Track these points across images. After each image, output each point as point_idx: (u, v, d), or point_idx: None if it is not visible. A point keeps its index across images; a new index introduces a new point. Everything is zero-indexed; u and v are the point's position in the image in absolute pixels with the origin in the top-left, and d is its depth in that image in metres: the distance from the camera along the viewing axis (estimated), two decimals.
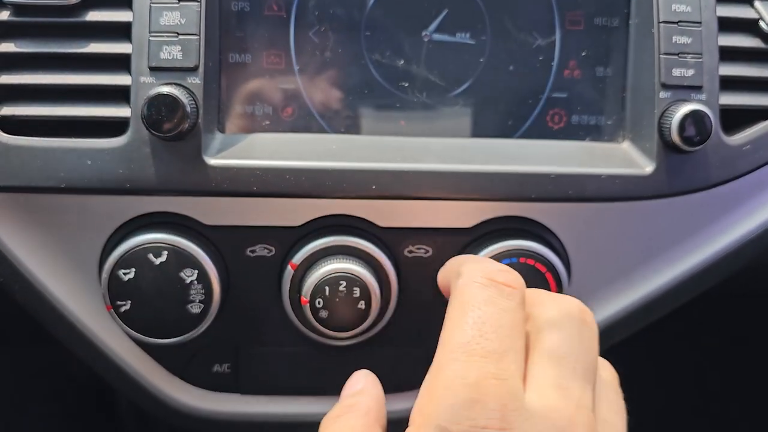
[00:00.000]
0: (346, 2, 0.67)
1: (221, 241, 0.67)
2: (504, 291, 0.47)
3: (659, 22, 0.65)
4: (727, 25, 0.66)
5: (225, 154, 0.62)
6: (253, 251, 0.68)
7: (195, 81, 0.61)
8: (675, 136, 0.63)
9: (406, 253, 0.68)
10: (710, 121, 0.63)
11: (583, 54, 0.69)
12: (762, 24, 0.67)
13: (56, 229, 0.67)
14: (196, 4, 0.61)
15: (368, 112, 0.68)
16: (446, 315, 0.47)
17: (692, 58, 0.65)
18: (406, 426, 0.44)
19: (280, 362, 0.71)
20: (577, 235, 0.71)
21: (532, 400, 0.43)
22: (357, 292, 0.63)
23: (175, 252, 0.63)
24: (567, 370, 0.45)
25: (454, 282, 0.49)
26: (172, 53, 0.61)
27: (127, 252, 0.63)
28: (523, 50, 0.69)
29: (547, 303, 0.50)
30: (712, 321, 1.11)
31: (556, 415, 0.42)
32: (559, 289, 0.67)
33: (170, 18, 0.61)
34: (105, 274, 0.63)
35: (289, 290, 0.66)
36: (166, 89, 0.59)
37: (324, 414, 0.51)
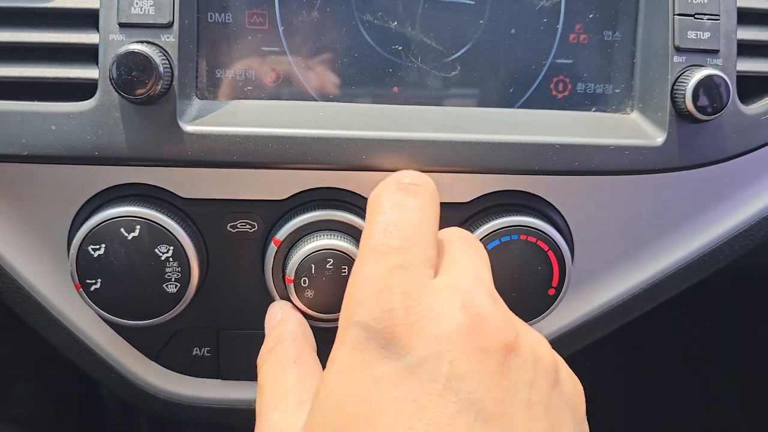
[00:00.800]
0: None
1: (199, 215, 0.62)
2: (410, 191, 0.50)
3: None
4: None
5: (202, 121, 0.58)
6: (233, 227, 0.63)
7: (169, 39, 0.56)
8: (689, 104, 0.59)
9: None
10: (727, 89, 0.59)
11: (590, 16, 0.65)
12: None
13: (20, 201, 0.62)
14: None
15: (359, 77, 0.63)
16: (364, 228, 0.50)
17: (708, 19, 0.61)
18: None
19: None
20: (581, 212, 0.66)
21: (440, 279, 0.46)
22: (345, 270, 0.59)
23: (149, 226, 0.59)
24: (470, 254, 0.50)
25: None
26: (144, 8, 0.56)
27: (96, 226, 0.59)
28: (526, 12, 0.64)
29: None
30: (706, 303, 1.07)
31: (461, 283, 0.46)
32: (562, 269, 0.63)
33: None
34: (73, 250, 0.59)
35: (273, 268, 0.62)
36: (137, 47, 0.54)
37: None
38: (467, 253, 0.50)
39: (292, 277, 0.59)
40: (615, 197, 0.66)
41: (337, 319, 0.61)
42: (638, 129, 0.63)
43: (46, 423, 1.15)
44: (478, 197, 0.64)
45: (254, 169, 0.60)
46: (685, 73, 0.60)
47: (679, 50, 0.61)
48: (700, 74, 0.59)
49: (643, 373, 1.17)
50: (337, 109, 0.62)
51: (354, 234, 0.61)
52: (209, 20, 0.61)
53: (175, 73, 0.56)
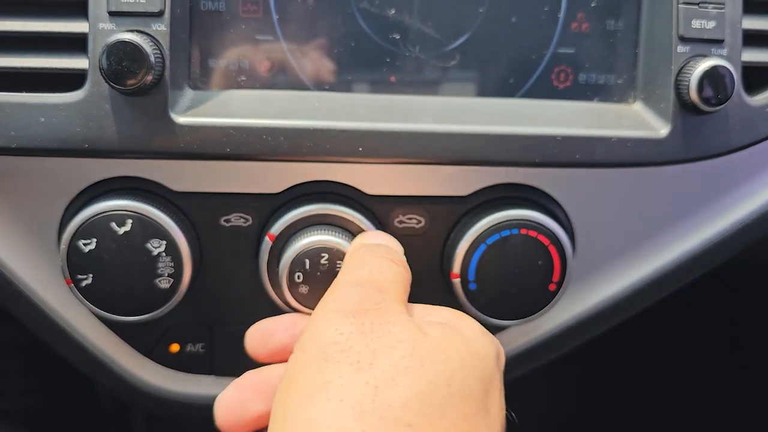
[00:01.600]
0: None
1: (192, 209, 0.61)
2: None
3: None
4: None
5: (195, 112, 0.56)
6: (227, 221, 0.62)
7: (160, 28, 0.54)
8: (693, 95, 0.58)
9: (396, 223, 0.63)
10: (732, 79, 0.58)
11: (593, 5, 0.63)
12: None
13: (9, 195, 0.61)
14: None
15: (355, 67, 0.62)
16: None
17: (714, 8, 0.59)
18: None
19: None
20: (583, 205, 0.65)
21: None
22: (340, 266, 0.57)
23: (141, 221, 0.57)
24: None
25: None
26: None
27: (87, 220, 0.57)
28: (527, 0, 0.62)
29: None
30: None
31: None
32: (563, 264, 0.62)
33: None
34: (63, 245, 0.58)
35: (267, 264, 0.60)
36: (127, 36, 0.52)
37: None
38: None
39: (286, 273, 0.58)
40: (617, 190, 0.65)
41: None
42: (641, 120, 0.61)
43: (39, 417, 1.15)
44: (477, 190, 0.63)
45: (248, 161, 0.59)
46: (690, 64, 0.59)
47: (683, 40, 0.59)
48: (704, 64, 0.58)
49: (647, 368, 1.16)
50: (332, 99, 0.60)
51: (350, 229, 0.60)
52: (202, 8, 0.60)
53: (167, 63, 0.54)
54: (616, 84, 0.64)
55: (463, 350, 0.46)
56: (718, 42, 0.60)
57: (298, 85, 0.61)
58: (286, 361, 0.51)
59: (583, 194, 0.65)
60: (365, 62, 0.62)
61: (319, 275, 0.57)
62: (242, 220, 0.62)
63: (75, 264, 0.58)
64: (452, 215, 0.63)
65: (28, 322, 0.64)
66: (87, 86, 0.55)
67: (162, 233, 0.58)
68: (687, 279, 0.68)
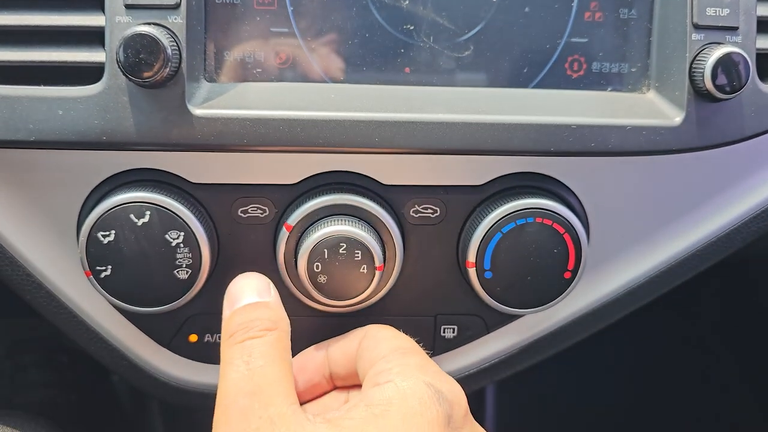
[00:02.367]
0: None
1: (209, 200, 0.61)
2: None
3: None
4: None
5: (212, 104, 0.56)
6: (244, 212, 0.62)
7: (176, 20, 0.55)
8: (708, 83, 0.58)
9: (411, 213, 0.63)
10: (747, 67, 0.58)
11: None
12: None
13: (28, 188, 0.61)
14: None
15: (369, 58, 0.62)
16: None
17: None
18: None
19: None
20: (597, 193, 0.65)
21: None
22: (358, 255, 0.58)
23: (159, 212, 0.58)
24: None
25: None
26: None
27: (106, 212, 0.58)
28: None
29: None
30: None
31: None
32: (578, 252, 0.62)
33: None
34: (83, 237, 0.58)
35: (284, 254, 0.61)
36: (144, 29, 0.52)
37: None
38: None
39: (305, 263, 0.58)
40: (631, 178, 0.65)
41: (351, 305, 0.61)
42: (655, 108, 0.61)
43: (57, 409, 1.16)
44: (492, 179, 0.63)
45: (265, 152, 0.59)
46: (704, 51, 0.59)
47: (697, 27, 0.59)
48: (719, 52, 0.58)
49: (656, 358, 1.16)
50: (348, 90, 0.61)
51: (366, 218, 0.60)
52: (217, 1, 0.60)
53: (184, 55, 0.55)
54: (630, 72, 0.64)
55: None
56: (733, 29, 0.59)
57: (313, 77, 0.62)
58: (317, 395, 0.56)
59: (597, 182, 0.65)
60: (380, 53, 0.62)
61: (337, 265, 0.58)
62: (259, 210, 0.62)
63: (94, 255, 0.58)
64: (468, 204, 0.63)
65: (47, 314, 0.65)
66: (104, 79, 0.55)
67: (180, 224, 0.58)
68: (701, 267, 0.69)
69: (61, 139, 0.55)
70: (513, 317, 0.68)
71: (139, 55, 0.52)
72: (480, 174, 0.63)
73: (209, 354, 0.67)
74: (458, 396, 0.51)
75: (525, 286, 0.62)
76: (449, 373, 0.55)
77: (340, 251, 0.58)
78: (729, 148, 0.62)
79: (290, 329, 0.55)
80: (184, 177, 0.61)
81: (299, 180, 0.62)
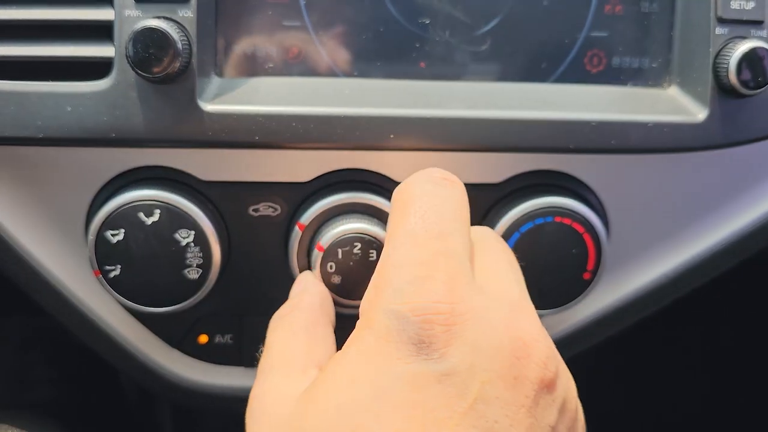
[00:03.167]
0: None
1: (220, 198, 0.60)
2: (443, 183, 0.47)
3: None
4: None
5: (223, 100, 0.55)
6: (256, 210, 0.61)
7: (187, 14, 0.53)
8: (733, 78, 0.56)
9: None
10: None
11: None
12: None
13: (36, 185, 0.60)
14: None
15: (384, 52, 0.60)
16: (389, 216, 0.46)
17: None
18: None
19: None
20: (617, 191, 0.64)
21: (484, 284, 0.43)
22: (374, 255, 0.56)
23: (169, 211, 0.57)
24: (512, 264, 0.49)
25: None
26: None
27: (115, 211, 0.57)
28: None
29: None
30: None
31: (506, 296, 0.43)
32: (598, 252, 0.61)
33: None
34: (91, 236, 0.57)
35: (297, 253, 0.60)
36: (154, 23, 0.51)
37: None
38: (506, 262, 0.48)
39: (318, 263, 0.57)
40: (652, 176, 0.64)
41: None
42: (677, 105, 0.60)
43: (64, 407, 1.15)
44: (509, 177, 0.62)
45: (277, 149, 0.58)
46: (728, 46, 0.57)
47: (721, 21, 0.58)
48: (744, 46, 0.56)
49: (678, 359, 1.14)
50: (361, 85, 0.59)
51: (381, 217, 0.59)
52: None
53: (194, 49, 0.53)
54: (651, 68, 0.62)
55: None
56: (758, 23, 0.58)
57: (326, 72, 0.60)
58: None
59: (617, 180, 0.63)
60: (394, 48, 0.60)
61: (351, 265, 0.56)
62: (271, 209, 0.61)
63: (103, 255, 0.57)
64: (484, 202, 0.62)
65: (55, 313, 0.64)
66: (113, 74, 0.54)
67: (190, 223, 0.57)
68: (724, 267, 0.67)
69: (70, 135, 0.54)
70: None
71: (149, 50, 0.51)
72: (497, 171, 0.61)
73: (220, 355, 0.66)
74: (434, 308, 0.39)
75: (544, 286, 0.60)
76: None
77: (355, 251, 0.56)
78: (753, 145, 0.60)
79: (319, 299, 0.54)
80: (194, 175, 0.59)
81: (312, 178, 0.60)
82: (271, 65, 0.60)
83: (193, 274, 0.58)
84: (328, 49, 0.60)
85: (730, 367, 1.09)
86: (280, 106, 0.55)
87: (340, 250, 0.56)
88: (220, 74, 0.58)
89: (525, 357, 0.39)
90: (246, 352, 0.65)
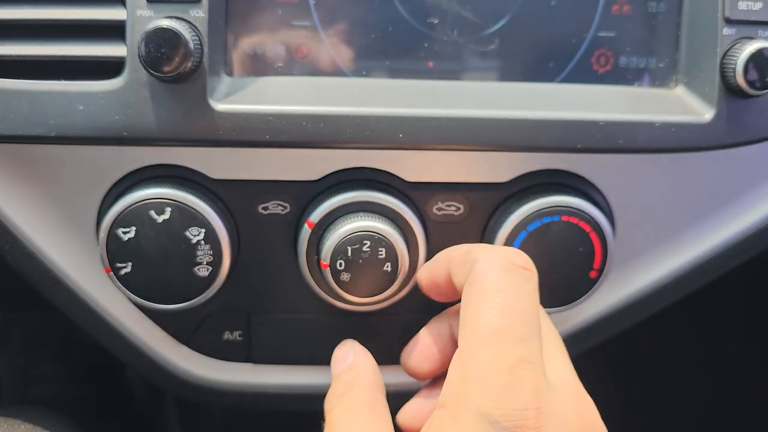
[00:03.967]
0: None
1: (230, 196, 0.60)
2: (525, 275, 0.48)
3: None
4: None
5: (233, 99, 0.56)
6: (265, 208, 0.61)
7: (198, 14, 0.54)
8: (740, 79, 0.56)
9: (434, 210, 0.62)
10: None
11: None
12: None
13: (48, 183, 0.60)
14: None
15: (393, 52, 0.61)
16: (467, 300, 0.48)
17: None
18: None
19: (295, 330, 0.65)
20: (623, 191, 0.64)
21: (551, 377, 0.46)
22: (382, 253, 0.57)
23: (180, 209, 0.57)
24: (561, 346, 0.52)
25: (471, 268, 0.49)
26: None
27: (126, 209, 0.57)
28: None
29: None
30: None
31: (568, 386, 0.47)
32: (604, 250, 0.61)
33: None
34: (103, 234, 0.57)
35: (307, 251, 0.60)
36: (166, 23, 0.52)
37: None
38: (555, 339, 0.51)
39: (328, 261, 0.57)
40: (658, 175, 0.64)
41: (374, 303, 0.60)
42: (684, 105, 0.60)
43: (70, 402, 1.16)
44: (516, 177, 0.62)
45: (287, 148, 0.58)
46: (736, 46, 0.57)
47: (729, 22, 0.58)
48: (751, 47, 0.56)
49: (686, 357, 1.14)
50: (370, 85, 0.60)
51: (390, 215, 0.59)
52: None
53: (205, 49, 0.54)
54: (658, 67, 0.63)
55: None
56: (766, 24, 0.58)
57: (335, 71, 0.61)
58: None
59: (623, 180, 0.64)
60: (403, 47, 0.61)
61: (361, 263, 0.57)
62: (280, 207, 0.61)
63: (114, 252, 0.58)
64: (491, 202, 0.62)
65: (66, 310, 0.64)
66: (126, 74, 0.54)
67: (201, 221, 0.58)
68: (729, 266, 0.67)
69: (82, 134, 0.55)
70: None
71: (161, 50, 0.51)
72: (504, 171, 0.62)
73: (229, 352, 0.66)
74: (524, 415, 0.42)
75: (550, 285, 0.61)
76: None
77: (364, 249, 0.57)
78: (759, 144, 0.60)
79: (374, 378, 0.53)
80: (204, 173, 0.60)
81: (321, 176, 0.61)
82: (280, 64, 0.60)
83: (203, 271, 0.58)
84: (337, 49, 0.60)
85: (732, 368, 1.09)
86: (290, 106, 0.55)
87: (349, 248, 0.57)
88: (230, 73, 0.59)
89: None
90: (254, 348, 0.66)
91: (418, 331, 0.59)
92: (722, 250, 0.67)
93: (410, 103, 0.57)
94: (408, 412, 0.56)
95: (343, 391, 0.52)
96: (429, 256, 0.62)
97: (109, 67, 0.55)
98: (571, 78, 0.62)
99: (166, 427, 1.14)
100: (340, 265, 0.57)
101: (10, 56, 0.55)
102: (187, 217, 0.57)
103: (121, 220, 0.57)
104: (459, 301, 0.49)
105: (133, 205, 0.57)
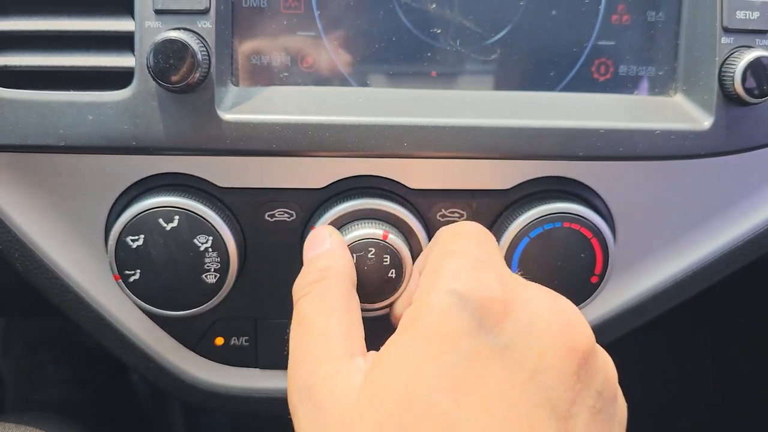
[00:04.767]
0: None
1: (237, 204, 0.61)
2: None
3: None
4: None
5: (240, 109, 0.56)
6: (272, 215, 0.62)
7: (206, 25, 0.55)
8: (738, 87, 0.57)
9: (438, 217, 0.63)
10: None
11: None
12: None
13: (57, 192, 0.61)
14: None
15: (396, 62, 0.62)
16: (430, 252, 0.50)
17: None
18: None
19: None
20: (624, 197, 0.65)
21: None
22: (387, 259, 0.58)
23: (188, 217, 0.58)
24: None
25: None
26: None
27: (135, 217, 0.58)
28: None
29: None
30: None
31: (544, 289, 0.48)
32: (605, 256, 0.62)
33: None
34: (111, 241, 0.58)
35: None
36: (174, 34, 0.53)
37: None
38: None
39: None
40: (658, 181, 0.65)
41: (378, 309, 0.61)
42: (683, 112, 0.61)
43: (74, 406, 1.16)
44: (518, 184, 0.63)
45: (293, 157, 0.59)
46: (734, 55, 0.58)
47: (727, 31, 0.59)
48: (749, 56, 0.57)
49: (686, 361, 1.15)
50: (375, 94, 0.60)
51: (394, 222, 0.60)
52: (244, 5, 0.60)
53: (213, 60, 0.55)
54: (657, 76, 0.64)
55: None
56: (763, 32, 0.59)
57: (340, 81, 0.62)
58: None
59: (623, 186, 0.65)
60: (406, 57, 0.62)
61: (366, 269, 0.58)
62: (286, 215, 0.62)
63: (123, 260, 0.58)
64: (494, 208, 0.63)
65: (75, 317, 0.65)
66: (134, 84, 0.55)
67: (208, 229, 0.59)
68: (727, 271, 0.68)
69: (91, 144, 0.56)
70: None
71: (170, 61, 0.52)
72: (506, 178, 0.63)
73: (235, 357, 0.67)
74: (489, 289, 0.43)
75: (552, 290, 0.62)
76: None
77: (369, 256, 0.58)
78: (756, 151, 0.61)
79: (349, 269, 0.52)
80: (211, 181, 0.61)
81: (326, 184, 0.62)
82: (285, 74, 0.61)
83: (210, 278, 0.59)
84: (342, 59, 0.61)
85: (733, 371, 1.10)
86: (296, 115, 0.56)
87: (354, 255, 0.58)
88: (236, 83, 0.60)
89: (571, 330, 0.44)
90: (261, 353, 0.67)
91: None
92: (721, 256, 0.68)
93: (414, 112, 0.58)
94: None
95: (318, 278, 0.50)
96: None
97: (118, 78, 0.55)
98: (572, 86, 0.63)
99: (171, 431, 1.15)
100: None
101: (21, 66, 0.56)
102: (195, 224, 0.58)
103: (129, 228, 0.58)
104: None
105: (141, 213, 0.58)
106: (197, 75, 0.53)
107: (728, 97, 0.59)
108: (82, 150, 0.56)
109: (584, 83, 0.63)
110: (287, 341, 0.66)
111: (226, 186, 0.61)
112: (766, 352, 1.06)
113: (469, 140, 0.57)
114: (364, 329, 0.65)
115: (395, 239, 0.58)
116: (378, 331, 0.66)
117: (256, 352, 0.67)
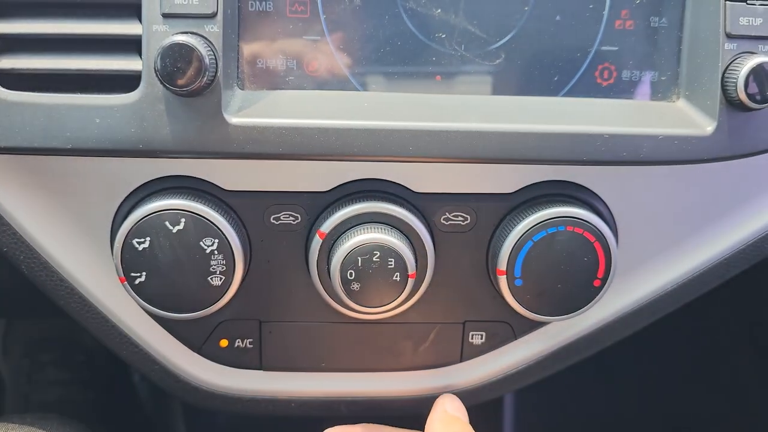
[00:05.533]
0: None
1: (243, 207, 0.62)
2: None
3: None
4: None
5: (247, 112, 0.57)
6: (277, 219, 0.62)
7: (213, 29, 0.55)
8: (741, 93, 0.58)
9: (442, 220, 0.63)
10: None
11: (637, 2, 0.63)
12: None
13: (64, 194, 0.62)
14: None
15: (401, 66, 0.62)
16: None
17: (761, 4, 0.59)
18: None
19: (305, 338, 0.67)
20: (626, 201, 0.66)
21: None
22: (392, 263, 0.58)
23: (194, 219, 0.58)
24: None
25: None
26: None
27: (141, 219, 0.58)
28: None
29: None
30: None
31: None
32: (608, 260, 0.62)
33: None
34: (118, 244, 0.59)
35: (318, 261, 0.61)
36: (181, 38, 0.53)
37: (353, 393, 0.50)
38: None
39: (339, 271, 0.58)
40: (660, 186, 0.65)
41: (383, 312, 0.61)
42: (686, 118, 0.61)
43: (74, 407, 1.16)
44: (522, 187, 0.63)
45: (298, 160, 0.59)
46: (737, 61, 0.59)
47: (730, 37, 0.59)
48: (752, 62, 0.58)
49: (686, 364, 1.16)
50: (380, 98, 0.61)
51: (399, 226, 0.61)
52: (250, 9, 0.60)
53: (220, 64, 0.55)
54: (660, 81, 0.64)
55: None
56: (766, 38, 0.59)
57: (346, 85, 0.62)
58: None
59: (626, 190, 0.65)
60: (411, 61, 0.62)
61: (371, 273, 0.58)
62: (291, 218, 0.62)
63: (129, 262, 0.59)
64: (498, 212, 0.63)
65: (80, 319, 0.66)
66: (141, 87, 0.55)
67: (214, 232, 0.59)
68: (729, 275, 0.69)
69: (98, 146, 0.56)
70: (540, 324, 0.68)
71: (177, 64, 0.53)
72: (510, 182, 0.63)
73: (239, 359, 0.67)
74: None
75: (555, 293, 0.62)
76: (474, 381, 0.55)
77: (374, 259, 0.58)
78: (759, 156, 0.62)
79: None
80: (218, 184, 0.61)
81: (332, 187, 0.62)
82: (291, 78, 0.61)
83: (216, 281, 0.60)
84: (347, 63, 0.62)
85: (733, 373, 1.10)
86: (303, 119, 0.56)
87: (359, 258, 0.58)
88: (242, 87, 0.60)
89: None
90: (265, 355, 0.67)
91: (425, 339, 0.60)
92: (722, 260, 0.68)
93: (419, 116, 0.58)
94: None
95: None
96: (436, 266, 0.63)
97: (126, 81, 0.56)
98: (575, 91, 0.64)
99: None
100: (351, 275, 0.58)
101: (28, 69, 0.56)
102: (201, 227, 0.58)
103: (136, 231, 0.58)
104: None
105: (147, 215, 0.58)
106: (204, 79, 0.53)
107: (731, 102, 0.59)
108: (88, 153, 0.57)
109: (588, 88, 0.64)
110: (291, 344, 0.67)
111: (231, 189, 0.61)
112: (766, 354, 1.07)
113: (474, 144, 0.58)
114: (370, 333, 0.66)
115: (400, 243, 0.59)
116: (383, 335, 0.67)
117: (261, 354, 0.67)
